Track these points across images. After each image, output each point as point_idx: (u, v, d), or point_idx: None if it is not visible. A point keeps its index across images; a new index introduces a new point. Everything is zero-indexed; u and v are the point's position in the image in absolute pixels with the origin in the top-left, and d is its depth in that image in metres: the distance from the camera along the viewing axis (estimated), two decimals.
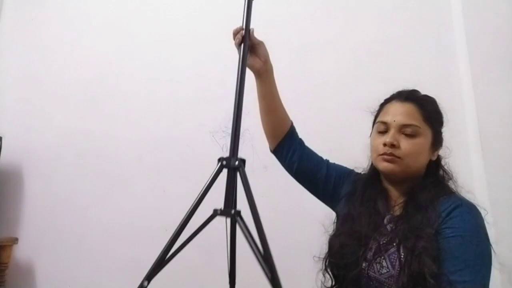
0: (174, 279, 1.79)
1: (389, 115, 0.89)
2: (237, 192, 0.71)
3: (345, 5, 1.85)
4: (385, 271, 0.79)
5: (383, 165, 0.86)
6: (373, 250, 0.83)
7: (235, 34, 0.92)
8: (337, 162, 1.07)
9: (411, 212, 0.83)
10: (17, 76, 2.30)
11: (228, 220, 0.71)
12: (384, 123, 0.89)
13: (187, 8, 2.09)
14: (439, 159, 0.92)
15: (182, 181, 1.85)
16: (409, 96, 0.91)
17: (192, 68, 1.97)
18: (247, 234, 0.66)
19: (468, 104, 1.55)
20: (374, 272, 0.81)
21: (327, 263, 0.90)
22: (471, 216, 0.79)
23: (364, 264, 0.83)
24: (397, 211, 0.88)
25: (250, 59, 0.98)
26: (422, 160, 0.87)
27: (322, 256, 0.91)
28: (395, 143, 0.85)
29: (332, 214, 1.01)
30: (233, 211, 0.69)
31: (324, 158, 1.07)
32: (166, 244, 0.65)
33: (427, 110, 0.89)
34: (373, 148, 0.91)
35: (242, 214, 0.68)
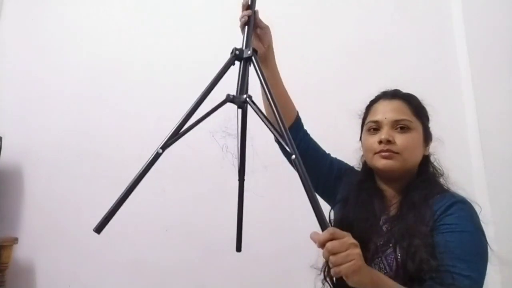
0: (174, 279, 1.79)
1: (379, 113, 0.90)
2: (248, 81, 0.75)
3: (345, 5, 1.85)
4: (383, 272, 0.79)
5: (382, 163, 0.86)
6: (370, 252, 0.82)
7: (244, 7, 0.92)
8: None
9: (405, 211, 0.83)
10: (17, 76, 2.30)
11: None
12: (375, 122, 0.89)
13: (189, 9, 2.09)
14: (429, 156, 0.92)
15: (182, 181, 1.84)
16: (395, 94, 0.92)
17: (192, 68, 1.97)
18: (261, 116, 0.71)
19: (468, 104, 1.55)
20: None
21: (326, 273, 0.89)
22: (466, 212, 0.80)
23: None
24: (393, 211, 0.88)
25: (254, 43, 0.95)
26: (418, 154, 0.88)
27: (320, 265, 0.90)
28: (390, 139, 0.85)
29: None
30: (245, 96, 0.74)
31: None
32: (181, 118, 0.68)
33: (415, 105, 0.90)
34: (367, 148, 0.91)
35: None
